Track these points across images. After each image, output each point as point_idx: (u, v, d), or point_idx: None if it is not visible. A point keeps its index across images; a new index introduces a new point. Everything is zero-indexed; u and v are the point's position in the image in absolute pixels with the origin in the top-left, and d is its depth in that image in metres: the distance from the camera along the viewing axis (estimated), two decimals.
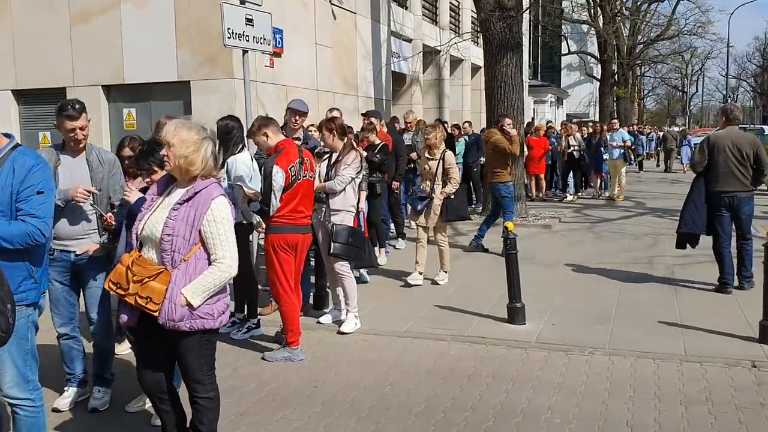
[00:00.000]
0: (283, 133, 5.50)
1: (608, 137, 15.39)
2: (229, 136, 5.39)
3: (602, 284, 7.21)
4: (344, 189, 5.61)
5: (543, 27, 51.72)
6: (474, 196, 13.06)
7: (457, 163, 7.92)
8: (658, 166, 28.15)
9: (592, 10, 40.15)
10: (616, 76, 44.08)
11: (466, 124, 13.88)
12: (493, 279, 7.12)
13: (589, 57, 46.93)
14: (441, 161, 7.12)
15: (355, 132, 8.32)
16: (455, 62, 20.88)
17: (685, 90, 72.61)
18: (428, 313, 6.17)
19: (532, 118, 32.17)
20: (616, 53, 46.29)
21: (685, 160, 29.66)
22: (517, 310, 5.72)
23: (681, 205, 6.92)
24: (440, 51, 18.65)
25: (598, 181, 16.26)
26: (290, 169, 4.91)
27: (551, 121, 22.47)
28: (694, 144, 33.70)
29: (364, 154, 6.30)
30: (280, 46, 10.54)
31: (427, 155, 7.24)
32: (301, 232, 5.05)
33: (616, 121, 17.71)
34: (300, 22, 11.27)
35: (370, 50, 13.87)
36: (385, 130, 9.10)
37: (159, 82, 9.98)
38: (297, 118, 6.35)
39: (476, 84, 23.12)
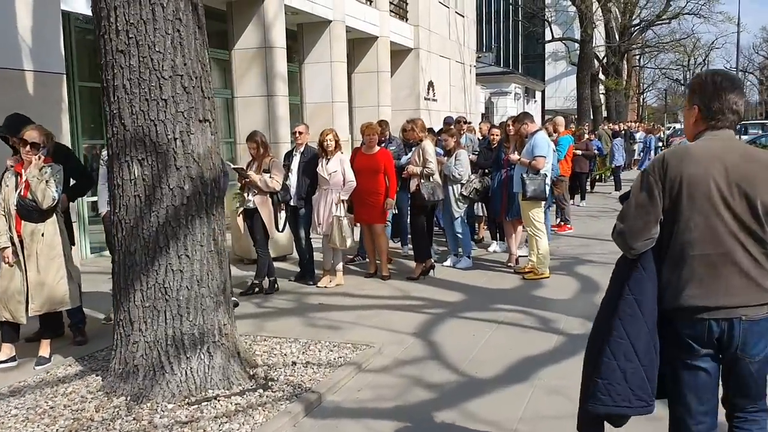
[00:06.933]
0: None
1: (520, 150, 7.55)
2: None
3: None
4: None
5: (523, 9, 46.11)
6: None
7: None
8: None
9: None
10: (605, 63, 36.56)
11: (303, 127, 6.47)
12: None
13: (575, 44, 39.37)
14: None
15: None
16: (315, 24, 12.93)
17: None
18: None
19: (483, 115, 24.25)
20: (604, 36, 38.68)
21: (619, 161, 20.07)
22: None
23: None
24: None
25: (518, 231, 8.42)
26: None
27: (465, 119, 14.13)
28: (657, 147, 22.54)
29: None
30: None
31: None
32: None
33: (535, 117, 9.97)
34: None
35: None
36: None
37: None
38: None
39: (358, 60, 15.27)
